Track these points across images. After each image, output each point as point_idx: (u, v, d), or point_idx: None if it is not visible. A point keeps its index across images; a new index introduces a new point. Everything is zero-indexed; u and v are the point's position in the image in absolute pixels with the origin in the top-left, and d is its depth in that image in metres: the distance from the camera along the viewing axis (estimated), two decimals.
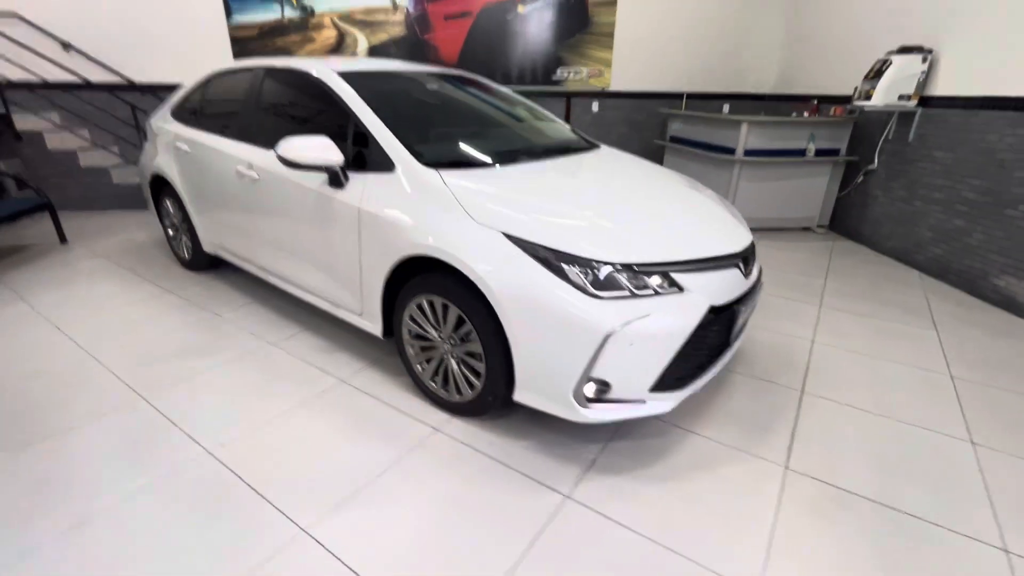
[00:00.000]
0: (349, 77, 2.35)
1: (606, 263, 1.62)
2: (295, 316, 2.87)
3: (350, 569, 1.41)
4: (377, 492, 1.67)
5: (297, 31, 5.28)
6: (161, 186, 3.44)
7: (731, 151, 4.40)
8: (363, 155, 2.13)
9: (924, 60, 3.68)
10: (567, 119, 5.82)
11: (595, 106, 5.85)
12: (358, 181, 2.09)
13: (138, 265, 3.61)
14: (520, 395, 1.79)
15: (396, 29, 5.37)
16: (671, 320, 1.63)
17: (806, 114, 4.59)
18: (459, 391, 1.99)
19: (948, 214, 3.62)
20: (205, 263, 3.39)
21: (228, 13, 5.12)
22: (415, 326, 2.05)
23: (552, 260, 1.63)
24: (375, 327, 2.21)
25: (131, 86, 5.10)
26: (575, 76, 5.69)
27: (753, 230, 4.65)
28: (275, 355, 2.47)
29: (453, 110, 2.71)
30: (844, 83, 4.56)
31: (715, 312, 1.74)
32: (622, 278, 1.62)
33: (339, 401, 2.14)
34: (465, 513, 1.60)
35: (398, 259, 1.95)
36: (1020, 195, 3.09)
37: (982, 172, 3.34)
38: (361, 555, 1.45)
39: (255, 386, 2.23)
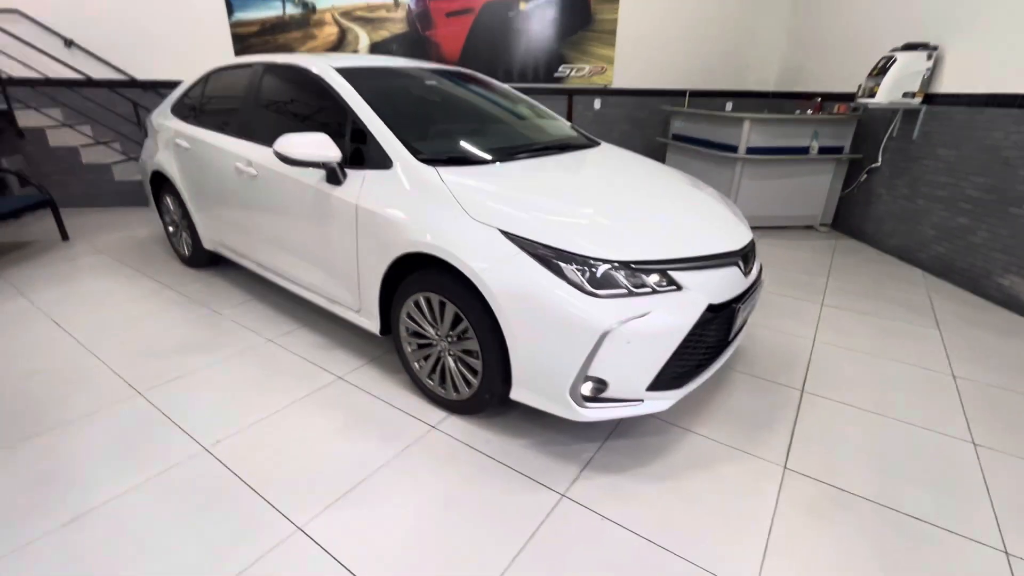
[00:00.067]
0: (347, 73, 2.34)
1: (603, 261, 1.61)
2: (294, 313, 2.87)
3: (344, 567, 1.41)
4: (373, 490, 1.67)
5: (298, 28, 5.28)
6: (161, 183, 3.45)
7: (733, 149, 4.38)
8: (361, 152, 2.12)
9: (929, 57, 3.65)
10: (569, 116, 5.80)
11: (597, 103, 5.82)
12: (356, 178, 2.09)
13: (139, 262, 3.61)
14: (517, 393, 1.78)
15: (398, 26, 5.36)
16: (669, 318, 1.62)
17: (810, 112, 4.56)
18: (456, 389, 1.99)
19: (952, 212, 3.59)
20: (205, 260, 3.39)
21: (230, 10, 5.11)
22: (412, 323, 2.04)
23: (549, 258, 1.62)
24: (373, 324, 2.20)
25: (133, 83, 5.11)
26: (577, 73, 5.67)
27: (755, 228, 4.67)
28: (273, 352, 2.47)
29: (452, 107, 2.69)
30: (849, 80, 4.53)
31: (714, 310, 1.73)
32: (619, 276, 1.61)
33: (336, 398, 2.13)
34: (460, 511, 1.60)
35: (395, 256, 1.94)
36: None
37: (987, 170, 3.31)
38: (355, 553, 1.45)
39: (253, 383, 2.23)
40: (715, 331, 1.80)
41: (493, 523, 1.56)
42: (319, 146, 2.02)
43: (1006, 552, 1.51)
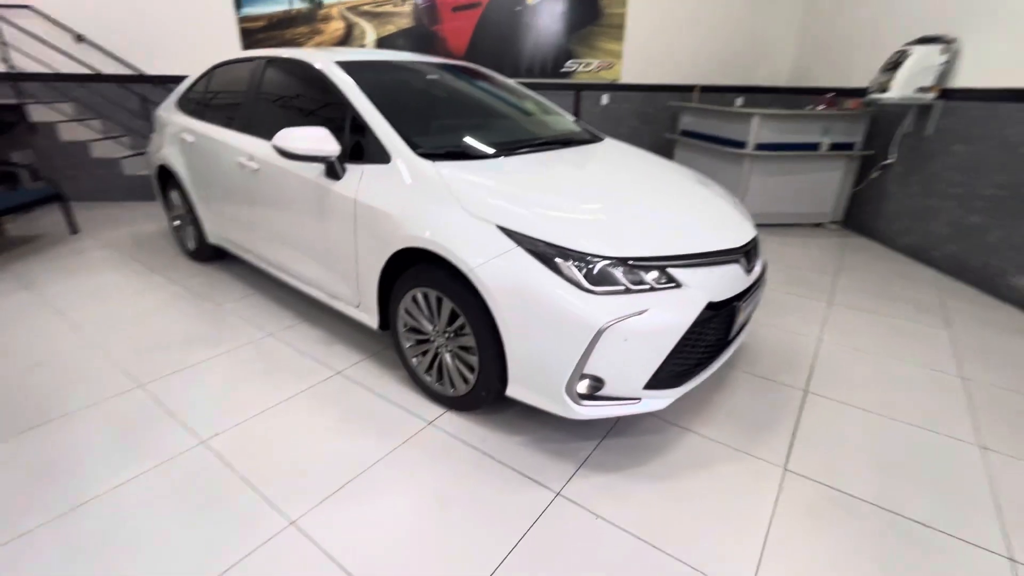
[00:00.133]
0: (348, 67, 2.34)
1: (601, 257, 1.59)
2: (295, 307, 2.88)
3: (335, 562, 1.40)
4: (368, 485, 1.67)
5: (305, 23, 5.28)
6: (168, 177, 3.47)
7: (742, 145, 4.31)
8: (361, 146, 2.11)
9: (944, 51, 3.56)
10: (576, 112, 5.75)
11: (605, 99, 5.77)
12: (355, 172, 2.08)
13: (145, 256, 3.64)
14: (513, 390, 1.77)
15: (404, 21, 5.34)
16: (667, 316, 1.59)
17: (822, 107, 4.48)
18: (453, 385, 1.98)
19: (966, 210, 3.50)
20: (210, 254, 3.41)
21: (237, 4, 5.13)
22: (410, 319, 2.03)
23: (546, 254, 1.60)
24: (371, 319, 2.20)
25: (142, 77, 5.14)
26: (585, 68, 5.62)
27: (763, 226, 4.60)
28: (273, 346, 2.48)
29: (452, 101, 2.68)
30: (864, 75, 4.43)
31: (714, 308, 1.70)
32: (617, 273, 1.59)
33: (335, 393, 2.13)
34: (455, 507, 1.59)
35: (393, 251, 1.93)
36: None
37: (1003, 167, 3.23)
38: (348, 547, 1.44)
39: (252, 377, 2.23)
40: (715, 329, 1.77)
41: (487, 520, 1.55)
42: (317, 140, 2.01)
43: (1011, 559, 1.47)
